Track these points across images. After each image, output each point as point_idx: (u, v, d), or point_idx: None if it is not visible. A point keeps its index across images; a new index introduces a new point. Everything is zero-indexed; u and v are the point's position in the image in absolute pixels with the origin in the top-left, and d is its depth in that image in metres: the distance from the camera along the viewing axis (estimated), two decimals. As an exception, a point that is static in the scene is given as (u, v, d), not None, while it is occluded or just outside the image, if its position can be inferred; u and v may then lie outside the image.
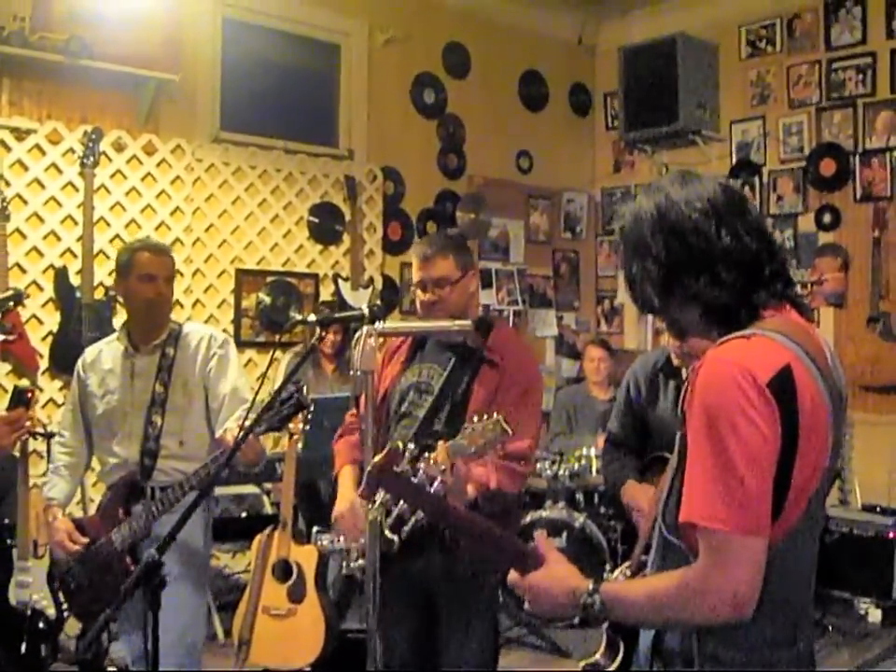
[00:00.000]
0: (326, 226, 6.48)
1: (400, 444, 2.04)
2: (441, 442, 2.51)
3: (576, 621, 1.89)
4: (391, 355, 3.26)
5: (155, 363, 3.45)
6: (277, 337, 6.10)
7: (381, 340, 2.38)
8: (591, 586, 1.76)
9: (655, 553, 1.81)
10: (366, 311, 2.51)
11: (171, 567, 2.95)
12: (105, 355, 3.55)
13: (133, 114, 5.65)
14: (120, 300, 3.67)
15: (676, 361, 3.30)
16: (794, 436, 1.63)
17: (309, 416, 3.92)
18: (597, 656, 2.03)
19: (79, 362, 3.61)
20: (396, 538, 2.57)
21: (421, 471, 1.89)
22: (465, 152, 7.34)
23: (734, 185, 1.85)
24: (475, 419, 2.45)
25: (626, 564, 2.10)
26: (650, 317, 7.78)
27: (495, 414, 2.42)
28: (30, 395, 3.38)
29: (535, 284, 7.79)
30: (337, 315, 2.63)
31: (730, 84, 7.24)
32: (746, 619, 1.62)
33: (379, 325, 2.37)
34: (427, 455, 1.96)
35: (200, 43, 5.94)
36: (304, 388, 3.05)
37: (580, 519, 5.45)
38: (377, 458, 1.92)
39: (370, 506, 2.00)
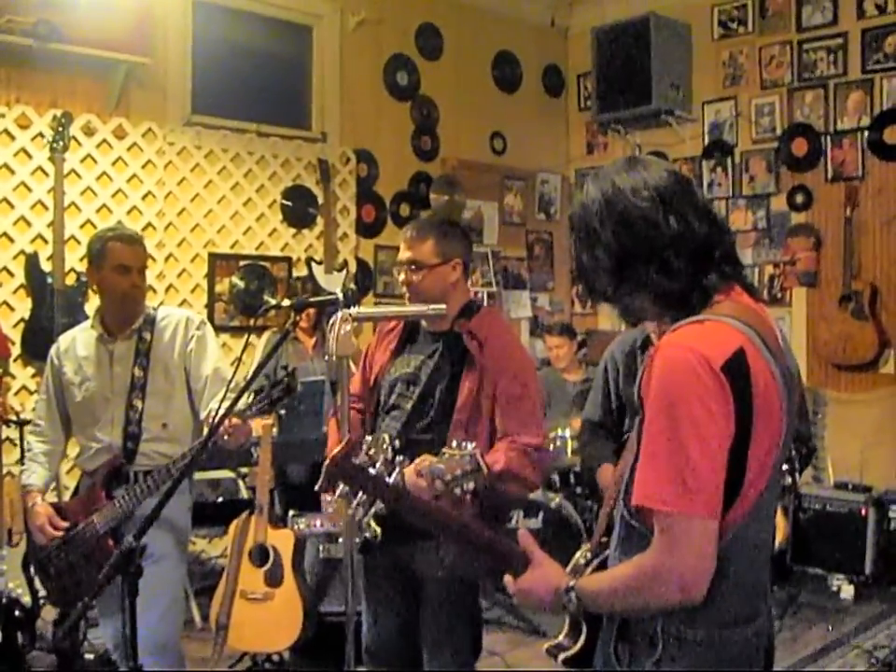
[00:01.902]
0: (299, 209, 6.46)
1: (387, 438, 2.03)
2: (424, 457, 2.54)
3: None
4: (381, 339, 3.24)
5: (132, 348, 3.44)
6: (251, 321, 6.07)
7: (356, 324, 2.37)
8: (570, 583, 1.81)
9: (617, 536, 1.84)
10: (340, 295, 2.51)
11: (154, 546, 2.97)
12: (79, 342, 3.53)
13: (103, 98, 5.58)
14: (94, 288, 3.64)
15: (655, 341, 3.31)
16: (749, 418, 1.65)
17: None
18: (561, 637, 2.05)
19: (53, 350, 3.59)
20: (379, 529, 2.57)
21: (379, 463, 1.89)
22: (438, 134, 7.32)
23: (679, 170, 1.86)
24: (454, 444, 2.44)
25: (586, 547, 2.12)
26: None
27: (470, 445, 2.41)
28: None
29: (509, 265, 7.80)
30: (311, 300, 2.63)
31: (702, 65, 7.27)
32: (696, 602, 1.66)
33: (354, 309, 2.36)
34: (403, 458, 1.95)
35: (170, 26, 5.87)
36: (294, 371, 3.05)
37: (555, 500, 5.47)
38: (336, 450, 1.92)
39: (351, 504, 2.00)
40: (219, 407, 2.75)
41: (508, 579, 1.91)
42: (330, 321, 2.30)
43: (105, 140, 5.56)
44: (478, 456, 2.39)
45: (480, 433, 2.89)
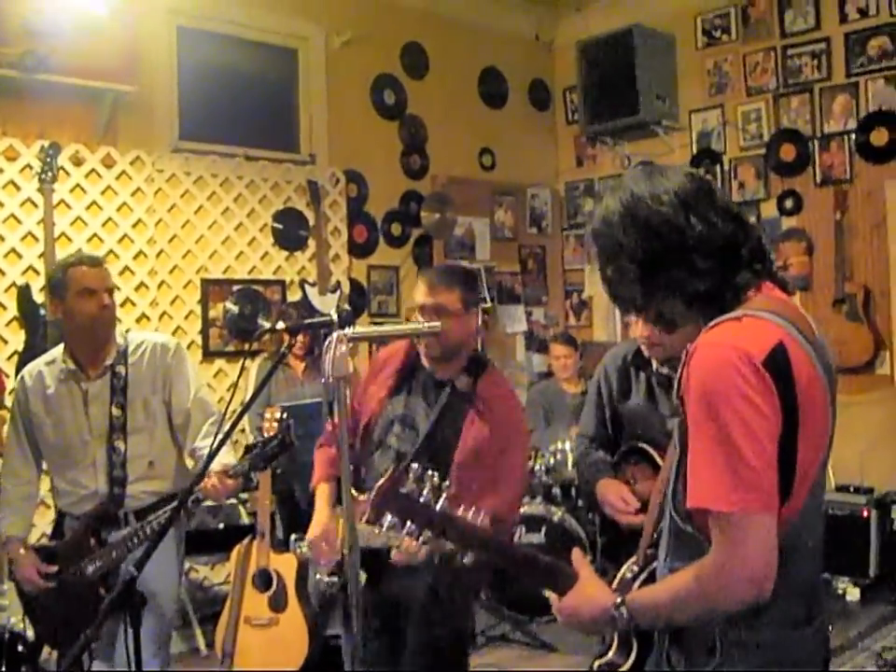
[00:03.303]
0: (290, 232, 6.45)
1: (415, 466, 1.98)
2: None
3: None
4: (376, 373, 3.23)
5: (107, 385, 3.30)
6: (246, 346, 6.05)
7: (351, 345, 2.36)
8: (617, 600, 1.76)
9: (668, 544, 1.81)
10: (335, 316, 2.49)
11: (144, 583, 2.94)
12: (46, 377, 3.37)
13: (90, 127, 5.58)
14: (59, 319, 3.43)
15: (646, 352, 3.31)
16: (794, 412, 1.64)
17: (285, 424, 3.90)
18: (611, 655, 2.01)
19: (18, 385, 3.45)
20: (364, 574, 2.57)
21: (426, 489, 1.85)
22: (427, 152, 7.33)
23: (697, 172, 1.85)
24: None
25: (632, 560, 2.07)
26: (616, 310, 7.81)
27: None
28: None
29: (503, 280, 7.79)
30: (306, 322, 2.60)
31: (688, 74, 7.30)
32: (766, 598, 1.63)
33: (349, 330, 2.35)
34: (430, 472, 1.91)
35: (155, 53, 5.88)
36: (290, 426, 3.03)
37: (558, 513, 5.45)
38: (381, 482, 1.89)
39: (376, 531, 1.97)
40: (211, 449, 2.55)
41: (553, 598, 1.87)
42: (326, 342, 2.28)
43: (93, 169, 5.56)
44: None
45: (471, 486, 2.86)
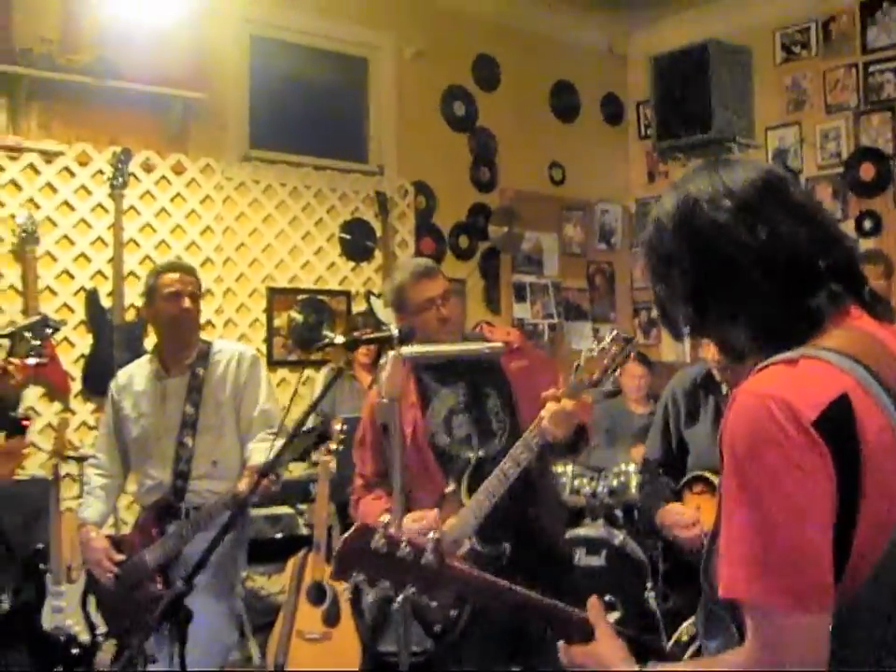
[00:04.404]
0: (357, 242, 6.43)
1: (386, 519, 1.82)
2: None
3: None
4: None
5: (185, 384, 3.48)
6: (310, 356, 6.04)
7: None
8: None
9: (699, 620, 1.55)
10: (395, 331, 2.43)
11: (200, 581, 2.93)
12: (136, 377, 3.59)
13: (161, 134, 5.63)
14: (151, 323, 3.76)
15: (717, 376, 3.19)
16: (855, 479, 1.30)
17: (343, 436, 3.88)
18: None
19: (112, 384, 3.64)
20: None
21: (404, 543, 1.62)
22: (496, 165, 7.27)
23: (776, 168, 1.53)
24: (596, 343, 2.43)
25: (690, 621, 1.86)
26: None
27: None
28: (26, 423, 3.42)
29: (570, 296, 7.69)
30: (365, 337, 2.52)
31: (765, 90, 7.11)
32: None
33: (406, 349, 2.27)
34: (437, 533, 1.70)
35: (227, 61, 5.92)
36: (329, 420, 2.99)
37: (619, 536, 5.31)
38: (345, 535, 1.66)
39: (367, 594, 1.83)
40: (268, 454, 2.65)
41: (563, 646, 1.63)
42: (380, 362, 2.21)
43: (163, 176, 5.60)
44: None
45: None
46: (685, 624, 1.88)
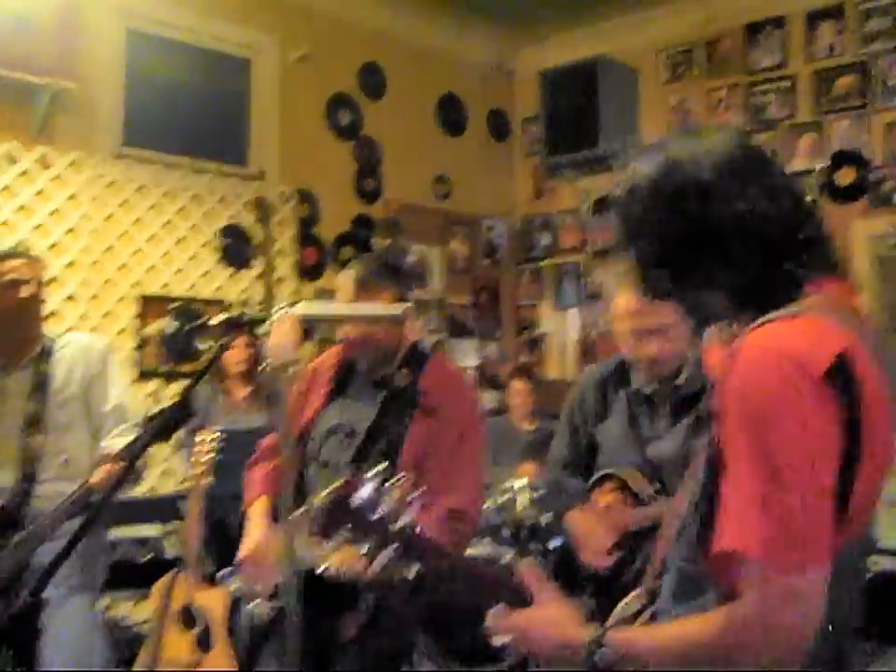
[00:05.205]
0: (235, 249, 6.13)
1: (369, 475, 1.70)
2: None
3: None
4: (310, 382, 2.95)
5: (28, 380, 3.22)
6: (181, 368, 5.72)
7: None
8: (594, 636, 1.44)
9: (670, 586, 1.51)
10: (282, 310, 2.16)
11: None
12: None
13: (25, 124, 5.23)
14: None
15: (646, 371, 2.96)
16: (857, 437, 1.33)
17: (219, 445, 3.65)
18: None
19: None
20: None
21: (385, 503, 1.56)
22: (382, 175, 7.07)
23: (752, 140, 1.56)
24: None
25: (634, 594, 1.74)
26: (570, 348, 7.59)
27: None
28: None
29: (454, 313, 7.53)
30: (246, 318, 2.26)
31: (651, 108, 7.14)
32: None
33: (297, 307, 2.01)
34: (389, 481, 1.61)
35: (101, 53, 5.56)
36: (189, 393, 2.77)
37: (507, 555, 5.16)
38: (328, 490, 1.60)
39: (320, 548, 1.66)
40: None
41: (498, 610, 1.54)
42: (268, 321, 1.95)
43: (26, 170, 5.21)
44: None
45: (425, 486, 2.60)
46: (627, 598, 1.71)
